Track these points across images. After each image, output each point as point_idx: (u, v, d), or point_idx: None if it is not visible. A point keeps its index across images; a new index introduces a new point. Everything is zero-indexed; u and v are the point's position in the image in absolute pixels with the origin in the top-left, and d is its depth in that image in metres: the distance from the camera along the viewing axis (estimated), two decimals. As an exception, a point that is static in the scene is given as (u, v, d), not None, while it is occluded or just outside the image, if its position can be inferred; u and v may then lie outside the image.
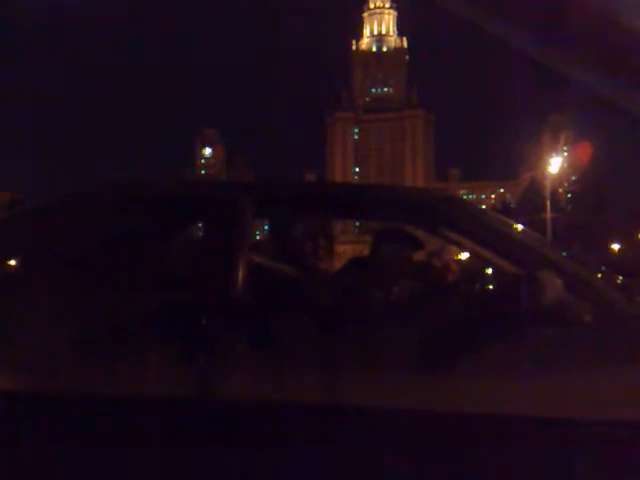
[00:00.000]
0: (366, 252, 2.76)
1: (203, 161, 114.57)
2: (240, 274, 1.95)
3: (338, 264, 2.82)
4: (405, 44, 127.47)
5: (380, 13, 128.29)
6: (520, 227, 2.33)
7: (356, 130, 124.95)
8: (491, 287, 2.62)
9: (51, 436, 1.70)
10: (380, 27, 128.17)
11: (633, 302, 2.05)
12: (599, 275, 2.29)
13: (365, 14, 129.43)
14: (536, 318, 1.86)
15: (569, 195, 69.02)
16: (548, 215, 33.51)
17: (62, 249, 2.18)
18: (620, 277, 2.26)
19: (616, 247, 50.63)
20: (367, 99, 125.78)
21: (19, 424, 1.72)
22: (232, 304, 1.92)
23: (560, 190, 64.64)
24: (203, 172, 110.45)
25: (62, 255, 2.08)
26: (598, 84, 1.06)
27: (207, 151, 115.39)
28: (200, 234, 2.31)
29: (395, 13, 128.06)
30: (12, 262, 2.34)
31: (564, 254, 2.46)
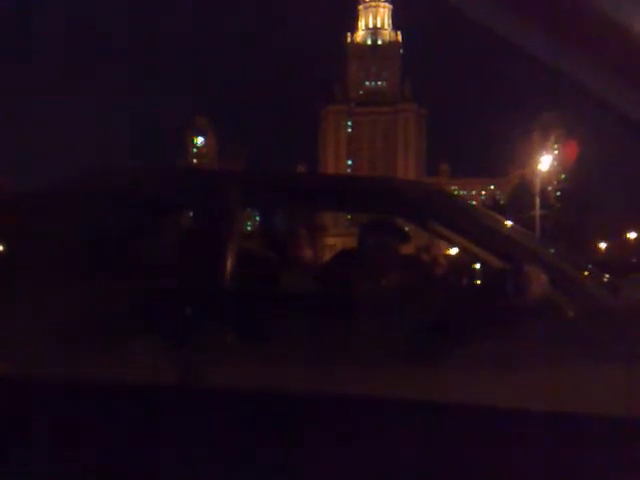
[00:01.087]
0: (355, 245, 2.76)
1: (195, 150, 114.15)
2: (229, 263, 1.96)
3: (328, 256, 2.83)
4: (400, 38, 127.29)
5: (375, 6, 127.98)
6: (508, 223, 2.36)
7: (349, 123, 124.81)
8: (478, 281, 2.64)
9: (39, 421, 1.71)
10: (375, 20, 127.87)
11: (617, 299, 2.08)
12: (585, 273, 2.32)
13: (360, 7, 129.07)
14: (522, 312, 1.89)
15: (558, 193, 69.35)
16: (537, 212, 33.65)
17: (48, 240, 2.17)
18: (606, 275, 2.29)
19: (603, 246, 50.98)
20: (361, 92, 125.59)
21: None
22: (220, 292, 1.93)
23: (549, 188, 64.96)
24: (195, 161, 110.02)
25: (48, 246, 2.08)
26: (593, 82, 1.07)
27: (199, 140, 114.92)
28: (187, 223, 2.32)
29: (390, 7, 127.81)
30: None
31: (551, 251, 2.48)
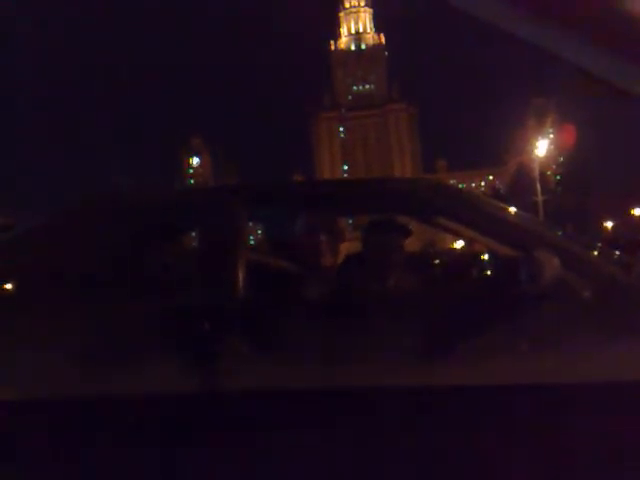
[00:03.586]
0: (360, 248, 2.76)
1: (191, 170, 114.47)
2: (240, 275, 1.97)
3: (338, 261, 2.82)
4: (383, 40, 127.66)
5: (356, 12, 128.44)
6: (513, 209, 2.35)
7: (341, 129, 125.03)
8: (490, 271, 2.63)
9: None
10: (357, 25, 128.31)
11: (630, 276, 2.07)
12: (595, 252, 2.31)
13: (341, 14, 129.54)
14: (537, 297, 1.88)
15: (558, 177, 69.24)
16: (539, 198, 33.62)
17: (60, 267, 2.20)
18: (616, 252, 2.28)
19: (609, 225, 50.82)
20: (350, 97, 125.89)
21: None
22: (235, 305, 1.94)
23: (548, 173, 64.83)
24: (192, 181, 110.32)
25: (62, 272, 2.10)
26: (587, 58, 1.06)
27: (195, 160, 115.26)
28: (195, 240, 2.33)
29: (370, 10, 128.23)
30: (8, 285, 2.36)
31: (559, 234, 2.48)
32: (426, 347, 1.89)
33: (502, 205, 2.42)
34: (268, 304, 2.06)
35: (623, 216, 49.79)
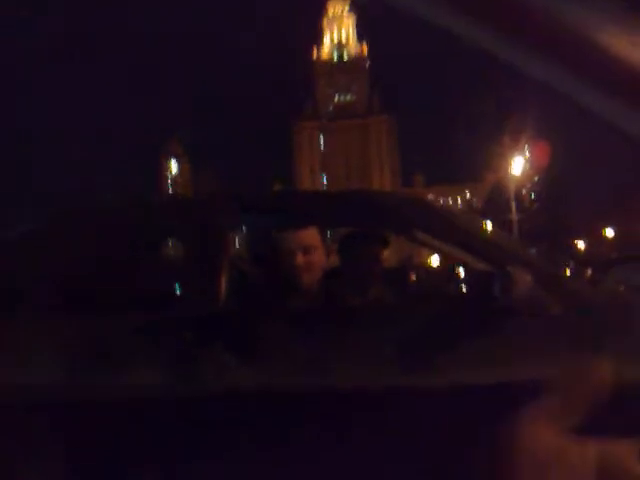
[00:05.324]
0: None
1: (169, 176, 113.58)
2: (225, 284, 2.00)
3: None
4: (365, 51, 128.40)
5: (339, 18, 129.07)
6: (489, 226, 2.43)
7: (322, 138, 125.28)
8: (464, 286, 2.70)
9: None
10: (340, 34, 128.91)
11: (600, 292, 2.15)
12: (567, 270, 2.39)
13: (325, 20, 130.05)
14: (508, 312, 1.95)
15: (533, 195, 70.06)
16: (514, 216, 33.98)
17: (40, 280, 2.19)
18: (589, 270, 2.37)
19: (582, 245, 51.54)
20: (331, 107, 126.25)
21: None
22: (220, 314, 1.97)
23: (524, 191, 65.52)
24: (170, 188, 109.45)
25: (43, 285, 2.10)
26: (569, 87, 1.11)
27: (173, 167, 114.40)
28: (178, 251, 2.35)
29: (354, 16, 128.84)
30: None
31: (532, 251, 2.55)
32: (401, 357, 1.94)
33: (477, 221, 2.49)
34: (251, 314, 2.09)
35: (595, 235, 50.55)
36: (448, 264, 3.19)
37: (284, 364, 1.90)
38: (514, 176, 36.89)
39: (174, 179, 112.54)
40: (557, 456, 0.42)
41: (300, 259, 2.46)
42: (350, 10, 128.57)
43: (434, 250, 2.71)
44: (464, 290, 2.73)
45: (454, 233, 2.23)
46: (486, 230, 2.36)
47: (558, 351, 1.88)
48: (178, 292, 2.13)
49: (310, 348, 1.92)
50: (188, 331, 1.93)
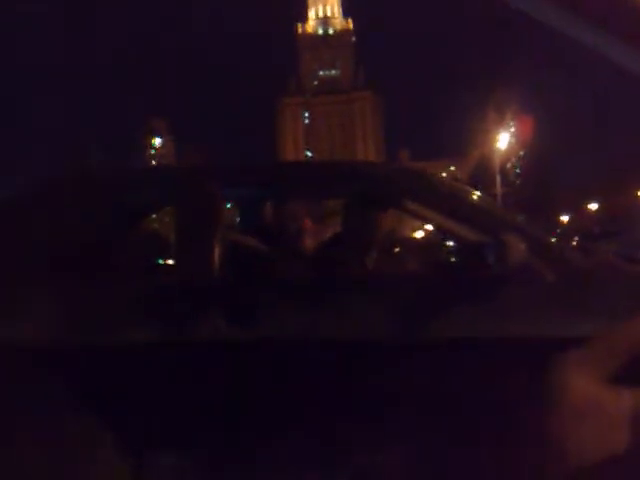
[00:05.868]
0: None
1: (153, 152, 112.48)
2: (219, 255, 1.99)
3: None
4: (351, 25, 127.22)
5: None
6: (479, 195, 2.42)
7: (306, 114, 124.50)
8: (457, 256, 2.71)
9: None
10: (325, 9, 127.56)
11: (591, 260, 2.17)
12: (555, 238, 2.41)
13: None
14: (503, 280, 1.96)
15: (517, 170, 70.33)
16: (498, 190, 34.13)
17: (29, 248, 2.16)
18: (575, 238, 2.39)
19: (565, 219, 51.99)
20: (315, 82, 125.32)
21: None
22: (214, 283, 1.96)
23: (509, 165, 65.82)
24: (153, 162, 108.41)
25: (33, 252, 2.08)
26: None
27: (156, 141, 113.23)
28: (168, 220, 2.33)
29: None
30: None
31: (523, 220, 2.57)
32: (398, 328, 1.95)
33: (468, 190, 2.48)
34: (247, 284, 2.08)
35: (579, 210, 50.99)
36: (440, 235, 3.21)
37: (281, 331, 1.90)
38: (499, 150, 36.99)
39: (159, 156, 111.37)
40: (593, 405, 0.44)
41: (307, 225, 2.46)
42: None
43: (425, 221, 2.70)
44: (457, 260, 2.74)
45: (447, 202, 2.23)
46: (479, 198, 2.36)
47: (553, 318, 1.90)
48: (170, 262, 2.11)
49: (309, 315, 1.93)
50: (182, 301, 1.92)
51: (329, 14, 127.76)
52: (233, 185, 2.41)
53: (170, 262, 2.29)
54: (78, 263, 2.03)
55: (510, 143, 43.28)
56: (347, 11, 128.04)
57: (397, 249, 3.60)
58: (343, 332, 1.87)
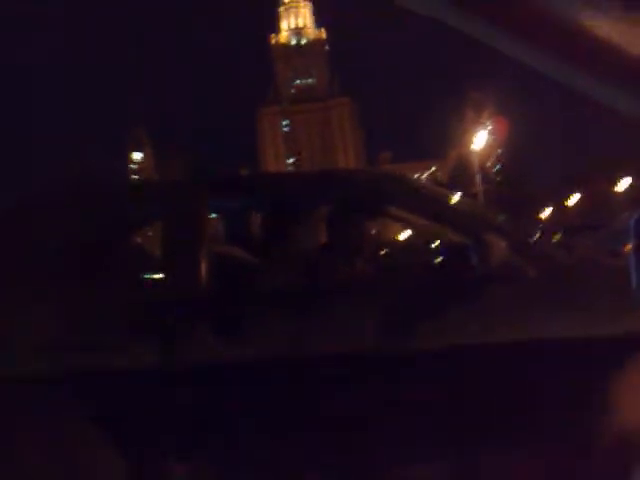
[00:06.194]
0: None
1: (134, 166, 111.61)
2: (204, 266, 2.00)
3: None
4: (324, 35, 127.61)
5: (295, 6, 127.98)
6: (460, 197, 2.47)
7: (284, 123, 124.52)
8: (441, 258, 2.74)
9: None
10: (297, 20, 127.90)
11: (572, 256, 2.22)
12: (537, 235, 2.45)
13: (281, 8, 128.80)
14: (486, 279, 1.99)
15: (497, 168, 70.82)
16: (479, 188, 34.35)
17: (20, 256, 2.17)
18: (558, 234, 2.43)
19: (546, 213, 52.30)
20: (292, 91, 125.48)
21: None
22: (201, 296, 1.98)
23: (488, 164, 66.26)
24: (135, 176, 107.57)
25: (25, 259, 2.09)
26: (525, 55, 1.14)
27: (137, 155, 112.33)
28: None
29: (310, 4, 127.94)
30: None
31: (503, 219, 2.60)
32: (385, 328, 1.97)
33: (448, 192, 2.52)
34: (234, 294, 2.10)
35: (558, 205, 51.35)
36: (423, 239, 3.24)
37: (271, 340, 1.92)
38: (477, 149, 37.27)
39: (139, 168, 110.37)
40: None
41: (301, 232, 2.48)
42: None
43: (409, 226, 2.74)
44: (441, 262, 2.77)
45: (430, 206, 2.26)
46: (460, 201, 2.40)
47: (536, 313, 1.94)
48: (157, 277, 2.13)
49: (298, 323, 1.94)
50: (171, 314, 1.94)
51: (301, 25, 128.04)
52: (217, 197, 2.43)
53: (155, 276, 2.30)
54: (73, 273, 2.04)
55: (488, 141, 43.60)
56: (320, 22, 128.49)
57: (382, 252, 3.62)
58: (333, 340, 1.89)
